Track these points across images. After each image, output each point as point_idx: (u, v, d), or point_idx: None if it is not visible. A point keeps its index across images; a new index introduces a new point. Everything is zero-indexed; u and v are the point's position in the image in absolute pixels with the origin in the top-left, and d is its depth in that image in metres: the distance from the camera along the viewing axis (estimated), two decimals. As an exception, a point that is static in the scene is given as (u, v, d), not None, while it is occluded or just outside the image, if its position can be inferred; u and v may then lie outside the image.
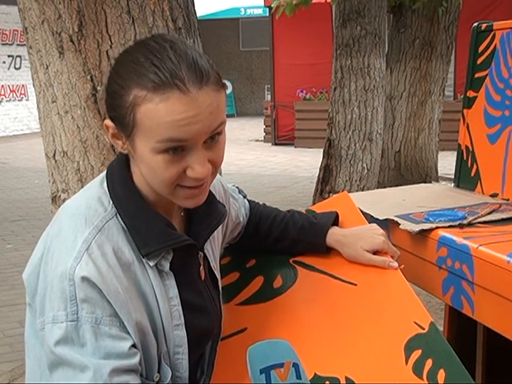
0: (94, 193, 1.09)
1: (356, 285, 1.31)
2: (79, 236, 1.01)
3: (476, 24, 1.87)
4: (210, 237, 1.21)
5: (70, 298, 0.97)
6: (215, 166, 1.05)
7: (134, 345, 1.00)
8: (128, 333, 0.99)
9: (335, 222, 1.43)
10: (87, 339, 0.96)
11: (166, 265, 1.08)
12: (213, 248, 1.25)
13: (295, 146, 11.05)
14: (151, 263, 1.05)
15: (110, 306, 0.98)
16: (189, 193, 1.05)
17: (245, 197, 1.49)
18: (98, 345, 0.96)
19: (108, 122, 1.06)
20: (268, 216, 1.45)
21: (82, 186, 1.68)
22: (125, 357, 0.98)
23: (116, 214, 1.05)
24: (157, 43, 1.01)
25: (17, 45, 13.59)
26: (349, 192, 1.84)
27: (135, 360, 1.00)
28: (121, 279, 1.00)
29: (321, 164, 4.90)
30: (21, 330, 3.52)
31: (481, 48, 1.86)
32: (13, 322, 3.60)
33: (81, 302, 0.96)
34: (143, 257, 1.05)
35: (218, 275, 1.27)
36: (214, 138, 1.03)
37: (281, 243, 1.43)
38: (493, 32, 1.82)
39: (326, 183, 4.80)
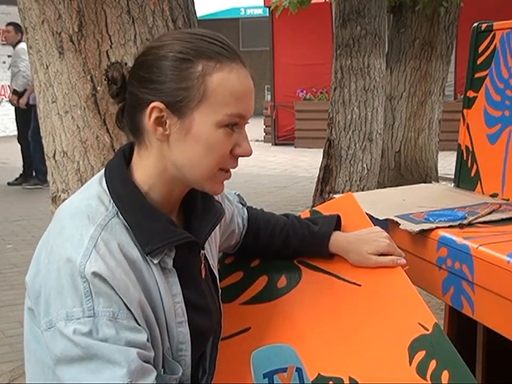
0: (93, 192, 1.08)
1: (360, 285, 1.31)
2: (84, 233, 1.00)
3: (476, 24, 1.87)
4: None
5: (85, 295, 0.96)
6: None
7: (148, 339, 1.00)
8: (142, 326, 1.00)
9: (337, 226, 1.42)
10: (107, 333, 0.95)
11: (169, 262, 1.08)
12: (211, 246, 1.26)
13: (295, 147, 11.05)
14: (155, 261, 1.05)
15: (122, 301, 0.98)
16: (225, 176, 1.10)
17: (244, 205, 1.47)
18: (120, 338, 0.96)
19: (157, 104, 1.03)
20: (266, 226, 1.43)
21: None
22: (145, 349, 0.99)
23: (117, 213, 1.05)
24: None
25: (17, 45, 13.56)
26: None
27: (153, 353, 1.01)
28: (129, 275, 1.00)
29: (321, 164, 4.89)
30: (21, 330, 3.50)
31: (481, 48, 1.85)
32: (13, 322, 3.59)
33: (97, 297, 0.96)
34: (147, 255, 1.04)
35: (217, 274, 1.27)
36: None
37: (283, 253, 1.43)
38: (493, 32, 1.81)
39: (326, 183, 4.80)
